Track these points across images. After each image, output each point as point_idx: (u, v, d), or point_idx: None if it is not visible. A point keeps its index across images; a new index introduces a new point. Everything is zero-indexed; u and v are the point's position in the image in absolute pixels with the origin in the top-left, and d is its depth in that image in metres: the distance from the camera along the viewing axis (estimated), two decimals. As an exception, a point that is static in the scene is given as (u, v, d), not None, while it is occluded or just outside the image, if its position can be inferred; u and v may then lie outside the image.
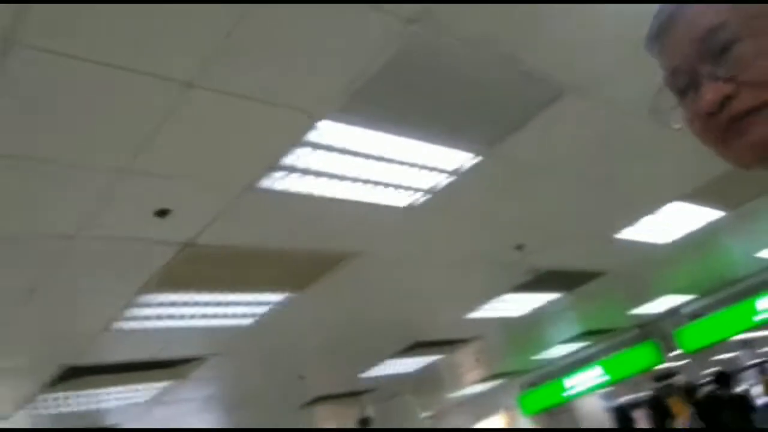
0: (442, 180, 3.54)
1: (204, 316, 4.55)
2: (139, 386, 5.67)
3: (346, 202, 3.47)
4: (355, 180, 3.29)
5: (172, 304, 4.21)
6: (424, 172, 3.41)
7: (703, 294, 8.76)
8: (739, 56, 0.64)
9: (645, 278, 7.21)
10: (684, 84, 0.69)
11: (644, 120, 3.48)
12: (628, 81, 3.07)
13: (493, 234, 4.64)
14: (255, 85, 2.41)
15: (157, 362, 5.16)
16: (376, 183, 3.39)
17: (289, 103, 2.58)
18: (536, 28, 2.55)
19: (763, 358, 16.83)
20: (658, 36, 0.71)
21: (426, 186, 3.57)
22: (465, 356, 8.14)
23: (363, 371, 7.49)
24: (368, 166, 3.19)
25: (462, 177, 3.56)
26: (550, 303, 6.86)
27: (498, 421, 11.73)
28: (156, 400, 6.24)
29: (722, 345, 10.19)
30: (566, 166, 3.86)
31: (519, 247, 5.00)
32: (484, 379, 10.42)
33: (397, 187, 3.49)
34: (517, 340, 8.57)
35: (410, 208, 3.78)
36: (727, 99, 0.64)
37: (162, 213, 3.10)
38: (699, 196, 4.99)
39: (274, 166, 2.97)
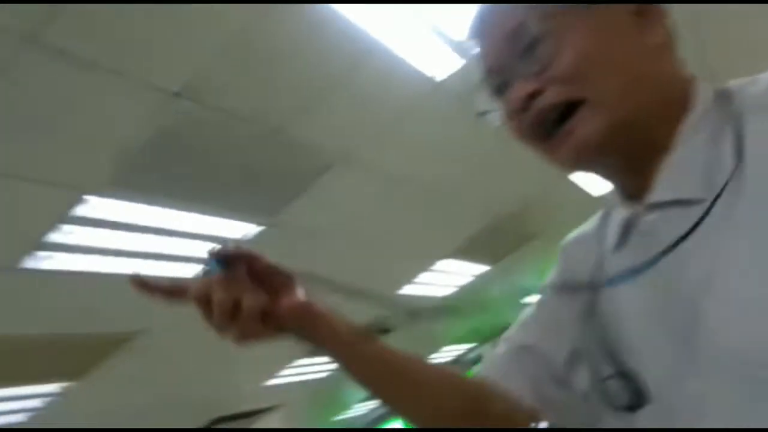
0: (226, 250, 3.58)
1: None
2: None
3: (124, 277, 3.34)
4: (133, 255, 3.21)
5: None
6: (208, 243, 3.43)
7: (482, 342, 9.64)
8: (542, 54, 0.67)
9: (428, 331, 7.78)
10: (498, 84, 0.72)
11: (405, 187, 3.90)
12: (391, 151, 3.46)
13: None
14: (14, 161, 2.31)
15: None
16: (158, 256, 3.33)
17: (53, 180, 2.49)
18: (303, 101, 2.80)
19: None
20: (475, 37, 0.74)
21: (210, 257, 3.58)
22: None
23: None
24: (148, 239, 3.14)
25: (247, 246, 3.63)
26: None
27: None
28: None
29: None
30: (345, 229, 4.14)
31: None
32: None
33: (180, 259, 3.46)
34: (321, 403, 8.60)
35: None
36: (534, 95, 0.67)
37: None
38: (463, 253, 5.60)
39: (39, 245, 2.80)
